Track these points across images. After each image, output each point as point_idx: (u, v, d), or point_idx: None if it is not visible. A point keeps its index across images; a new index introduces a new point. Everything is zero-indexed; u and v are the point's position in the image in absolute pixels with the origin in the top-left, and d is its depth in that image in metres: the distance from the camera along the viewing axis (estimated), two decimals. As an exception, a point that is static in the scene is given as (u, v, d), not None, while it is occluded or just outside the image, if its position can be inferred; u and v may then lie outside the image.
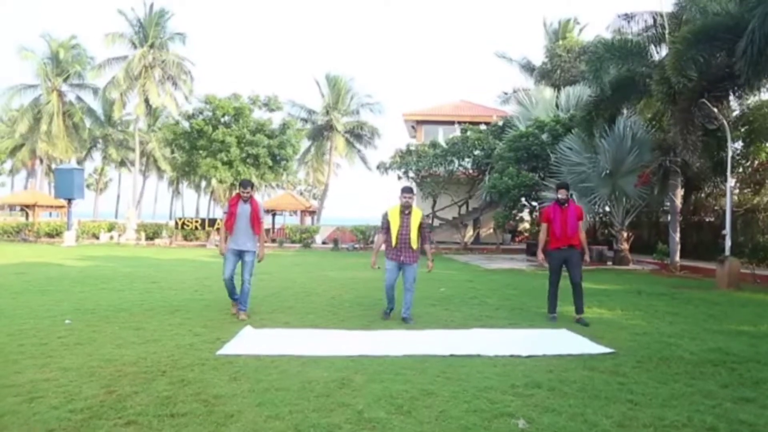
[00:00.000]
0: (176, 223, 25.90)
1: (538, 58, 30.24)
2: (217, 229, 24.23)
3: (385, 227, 6.96)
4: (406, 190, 6.94)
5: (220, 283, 7.90)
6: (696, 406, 3.80)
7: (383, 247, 7.08)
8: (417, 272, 7.00)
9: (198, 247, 23.38)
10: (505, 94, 30.27)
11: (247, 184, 7.14)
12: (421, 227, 6.93)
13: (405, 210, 6.84)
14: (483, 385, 4.21)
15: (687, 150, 12.99)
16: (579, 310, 6.95)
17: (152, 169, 52.24)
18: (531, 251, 20.52)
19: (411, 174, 24.44)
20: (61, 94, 38.30)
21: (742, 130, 15.88)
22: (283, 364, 4.71)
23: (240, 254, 6.98)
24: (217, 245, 23.43)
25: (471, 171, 24.11)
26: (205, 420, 3.42)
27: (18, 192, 41.78)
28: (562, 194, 7.15)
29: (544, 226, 7.27)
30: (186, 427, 3.31)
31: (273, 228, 31.22)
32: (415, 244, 6.85)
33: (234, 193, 7.41)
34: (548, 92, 22.39)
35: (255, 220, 6.99)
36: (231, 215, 6.94)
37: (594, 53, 15.01)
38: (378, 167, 25.08)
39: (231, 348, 5.30)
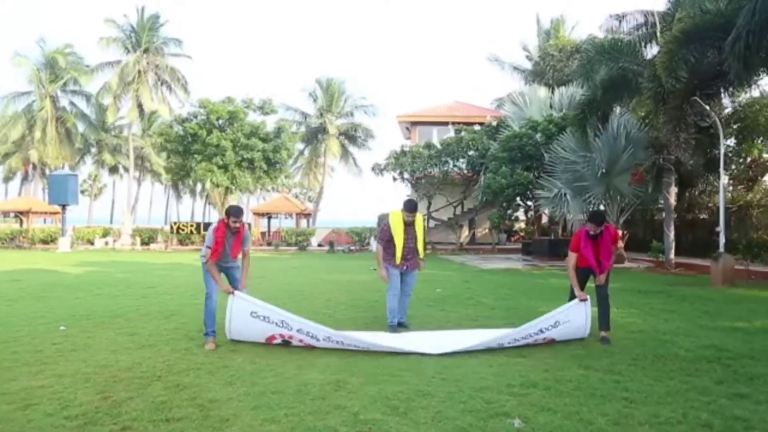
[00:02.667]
0: (171, 228, 25.84)
1: (533, 57, 30.36)
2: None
3: (386, 239, 6.52)
4: (410, 209, 6.45)
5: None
6: (691, 402, 3.82)
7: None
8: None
9: (193, 251, 23.32)
10: (499, 99, 30.39)
11: (238, 213, 5.81)
12: (423, 230, 6.74)
13: (408, 223, 6.53)
14: (479, 385, 4.21)
15: (678, 148, 13.05)
16: (604, 325, 5.97)
17: (147, 173, 52.11)
18: (527, 251, 20.59)
19: (406, 175, 24.47)
20: (54, 100, 38.18)
21: (735, 127, 15.97)
22: (279, 367, 4.71)
23: (226, 270, 5.95)
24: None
25: (466, 171, 24.15)
26: (201, 424, 3.41)
27: (12, 198, 41.58)
28: (592, 229, 5.95)
29: (572, 255, 6.12)
30: (181, 432, 3.31)
31: (269, 231, 31.21)
32: (420, 252, 6.68)
33: (220, 219, 5.88)
34: (542, 92, 22.46)
35: (237, 247, 5.87)
36: (215, 250, 5.71)
37: (584, 56, 15.09)
38: (373, 169, 25.09)
39: (234, 323, 5.53)
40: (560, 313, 5.74)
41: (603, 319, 5.99)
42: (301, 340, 5.50)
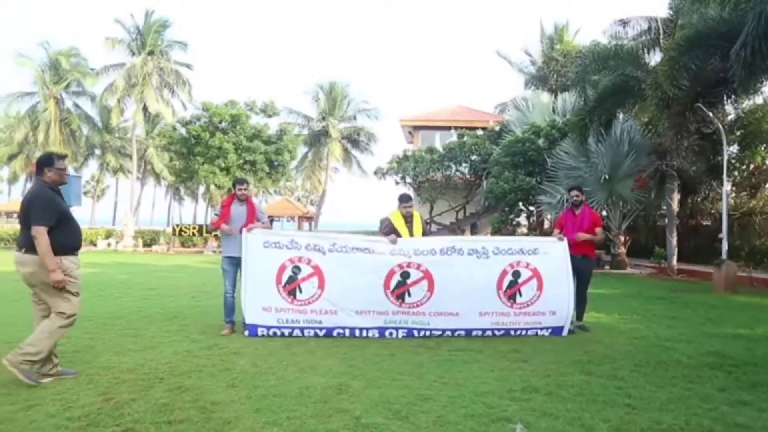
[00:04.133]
0: (174, 230, 25.88)
1: (536, 62, 30.33)
2: (215, 236, 24.20)
3: (387, 232, 6.59)
4: (405, 199, 6.71)
5: (218, 289, 7.88)
6: (693, 409, 3.81)
7: None
8: None
9: (195, 254, 23.35)
10: (502, 104, 30.34)
11: (243, 181, 6.59)
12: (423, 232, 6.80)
13: (407, 219, 6.65)
14: (480, 389, 4.21)
15: (679, 155, 13.06)
16: (579, 316, 6.77)
17: (150, 175, 52.19)
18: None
19: (408, 179, 24.48)
20: (58, 102, 38.27)
21: (738, 134, 15.97)
22: (281, 370, 4.71)
23: (238, 263, 6.29)
24: (214, 252, 23.42)
25: (468, 176, 24.15)
26: (203, 427, 3.41)
27: (15, 199, 41.68)
28: (574, 196, 6.84)
29: (555, 232, 6.91)
30: (183, 434, 3.31)
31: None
32: None
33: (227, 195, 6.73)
34: (545, 97, 22.45)
35: (251, 221, 6.36)
36: (222, 217, 6.34)
37: (580, 65, 15.10)
38: (375, 173, 25.12)
39: (249, 263, 6.05)
40: (540, 242, 6.66)
41: (578, 310, 6.69)
42: (309, 261, 6.12)
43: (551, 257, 6.37)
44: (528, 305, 6.25)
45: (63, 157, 4.52)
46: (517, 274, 6.25)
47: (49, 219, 4.20)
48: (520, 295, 6.23)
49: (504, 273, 6.24)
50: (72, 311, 4.37)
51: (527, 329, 6.28)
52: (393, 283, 6.10)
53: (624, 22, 16.29)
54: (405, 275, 6.11)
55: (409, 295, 6.12)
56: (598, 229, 6.78)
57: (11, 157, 42.79)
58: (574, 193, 6.85)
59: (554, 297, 6.28)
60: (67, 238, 4.35)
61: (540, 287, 6.27)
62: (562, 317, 6.32)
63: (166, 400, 3.89)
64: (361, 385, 4.31)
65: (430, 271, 6.11)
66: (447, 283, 6.12)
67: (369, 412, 3.68)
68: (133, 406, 3.75)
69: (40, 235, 4.13)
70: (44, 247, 4.14)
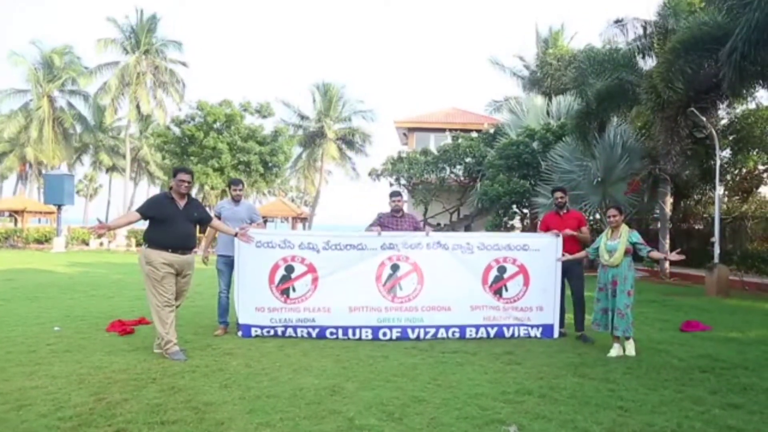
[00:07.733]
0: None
1: (530, 66, 30.43)
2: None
3: (376, 225, 6.66)
4: (394, 194, 6.79)
5: (211, 289, 7.88)
6: (685, 412, 3.83)
7: None
8: None
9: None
10: (496, 102, 30.39)
11: (238, 182, 6.64)
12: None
13: (396, 215, 6.69)
14: (474, 392, 4.21)
15: (670, 160, 13.12)
16: (579, 326, 6.40)
17: (143, 174, 52.01)
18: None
19: (402, 181, 24.52)
20: (51, 100, 38.08)
21: (731, 138, 16.06)
22: (274, 371, 4.70)
23: (233, 262, 6.21)
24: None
25: (462, 178, 24.20)
26: (196, 427, 3.40)
27: (7, 198, 41.40)
28: (558, 197, 6.73)
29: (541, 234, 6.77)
30: (176, 435, 3.29)
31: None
32: None
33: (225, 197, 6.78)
34: (539, 100, 22.51)
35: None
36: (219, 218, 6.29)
37: (577, 68, 15.16)
38: (370, 174, 25.13)
39: (242, 264, 6.07)
40: (531, 238, 6.71)
41: (577, 319, 6.45)
42: (303, 260, 6.16)
43: (541, 254, 6.39)
44: (515, 300, 6.33)
45: (184, 171, 5.35)
46: (502, 270, 6.35)
47: (141, 210, 5.17)
48: (506, 290, 6.33)
49: (489, 268, 6.33)
50: (151, 295, 5.10)
51: (518, 325, 6.31)
52: (384, 276, 6.22)
53: (620, 25, 16.34)
54: (395, 267, 6.25)
55: (401, 288, 6.22)
56: (584, 229, 6.66)
57: (3, 155, 42.52)
58: (558, 194, 6.80)
59: (541, 292, 6.35)
60: (158, 234, 5.13)
61: (527, 282, 6.35)
62: (549, 314, 6.36)
63: (159, 400, 3.88)
64: (354, 386, 4.31)
65: (418, 263, 6.26)
66: (435, 276, 6.23)
67: (362, 414, 3.68)
68: (125, 407, 3.73)
69: (127, 213, 5.21)
70: (117, 219, 5.96)
